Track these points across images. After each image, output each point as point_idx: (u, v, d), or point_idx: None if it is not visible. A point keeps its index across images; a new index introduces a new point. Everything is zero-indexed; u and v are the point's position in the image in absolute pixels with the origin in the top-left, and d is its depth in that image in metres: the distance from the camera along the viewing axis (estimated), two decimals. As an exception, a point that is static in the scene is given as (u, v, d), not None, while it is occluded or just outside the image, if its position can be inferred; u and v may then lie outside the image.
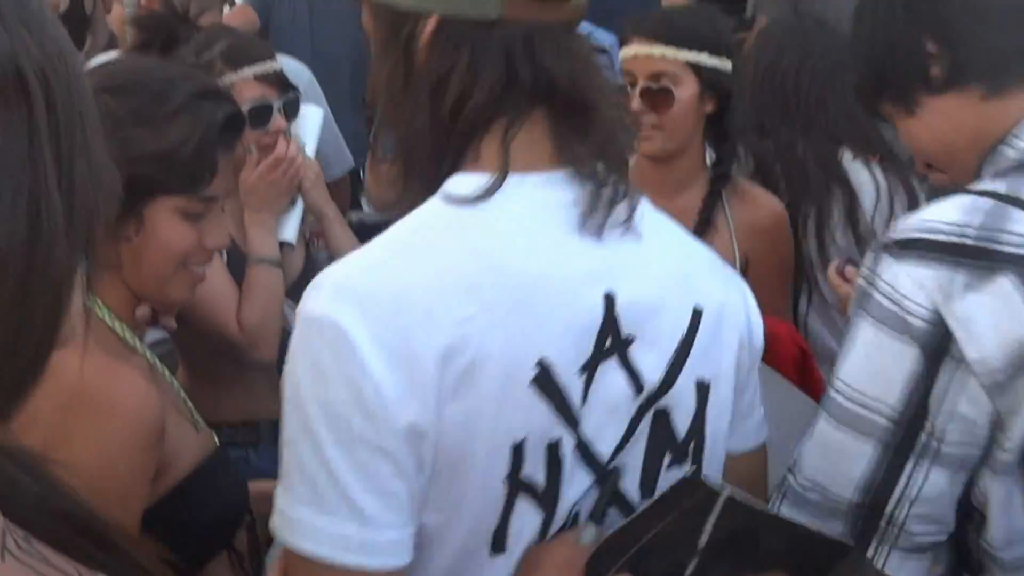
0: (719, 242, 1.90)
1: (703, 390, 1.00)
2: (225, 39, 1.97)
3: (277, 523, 0.90)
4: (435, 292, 0.88)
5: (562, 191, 0.95)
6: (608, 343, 0.93)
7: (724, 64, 1.89)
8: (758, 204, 1.97)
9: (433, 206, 0.94)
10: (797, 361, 1.78)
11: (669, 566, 0.98)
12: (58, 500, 0.67)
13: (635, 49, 1.89)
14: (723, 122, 1.93)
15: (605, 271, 0.94)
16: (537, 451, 0.91)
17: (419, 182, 0.97)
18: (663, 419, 0.98)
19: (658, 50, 1.86)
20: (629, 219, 0.96)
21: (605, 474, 0.96)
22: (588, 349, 0.93)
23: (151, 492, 1.23)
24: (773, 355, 1.78)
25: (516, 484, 0.91)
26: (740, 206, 1.95)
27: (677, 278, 1.00)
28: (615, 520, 0.98)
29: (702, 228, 1.89)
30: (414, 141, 0.98)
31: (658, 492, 0.99)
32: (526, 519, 0.92)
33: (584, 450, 0.94)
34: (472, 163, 0.95)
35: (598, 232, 0.94)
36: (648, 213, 1.01)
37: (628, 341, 0.94)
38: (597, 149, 0.97)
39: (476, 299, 0.89)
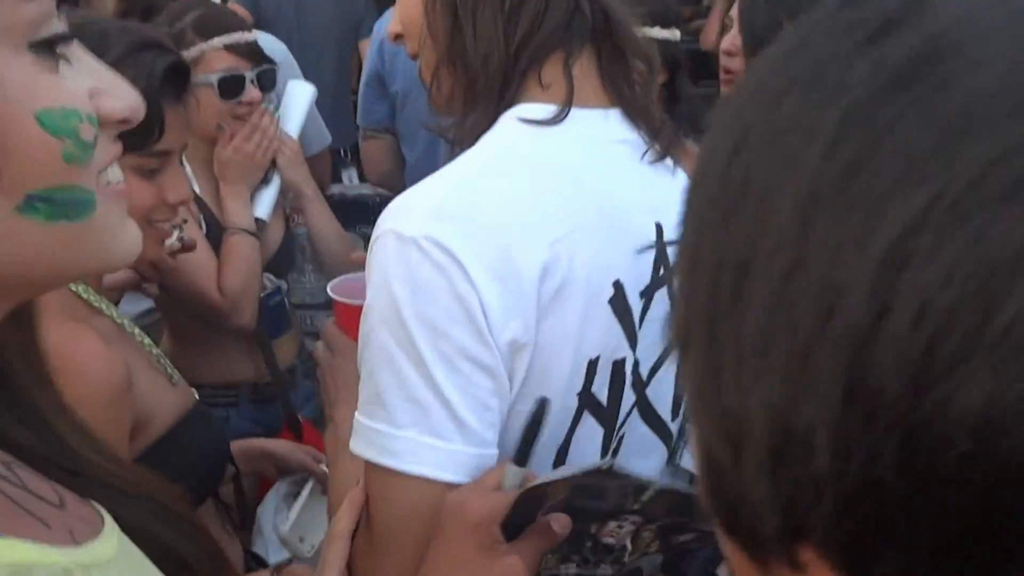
0: None
1: None
2: (198, 9, 1.98)
3: (370, 451, 0.89)
4: (531, 210, 0.90)
5: (618, 127, 1.00)
6: (662, 271, 0.99)
7: (673, 35, 2.00)
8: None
9: (510, 129, 0.95)
10: None
11: (608, 508, 0.93)
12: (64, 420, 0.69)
13: None
14: (674, 88, 2.02)
15: (655, 203, 0.98)
16: (605, 369, 0.95)
17: (483, 112, 0.98)
18: None
19: None
20: (666, 157, 1.02)
21: (642, 391, 1.00)
22: (647, 275, 0.98)
23: (132, 448, 1.25)
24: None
25: (585, 400, 0.94)
26: (688, 164, 2.03)
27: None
28: (643, 438, 1.01)
29: None
30: (482, 70, 0.97)
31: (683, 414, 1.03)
32: (589, 435, 0.96)
33: (635, 371, 0.99)
34: (537, 91, 0.97)
35: (651, 167, 1.00)
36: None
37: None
38: (638, 94, 1.02)
39: (567, 218, 0.92)
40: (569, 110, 0.96)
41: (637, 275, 0.97)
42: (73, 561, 0.56)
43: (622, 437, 1.00)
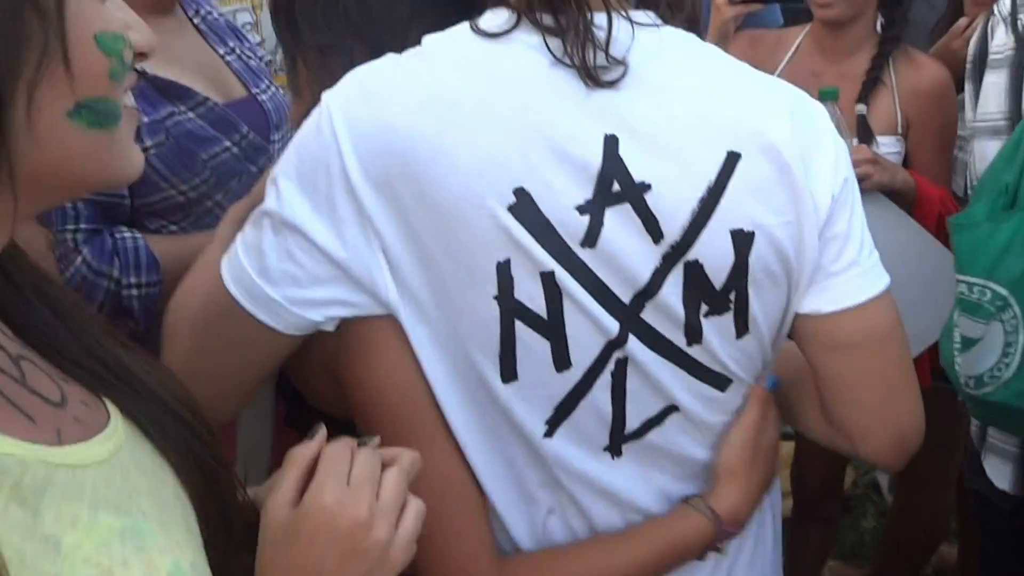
0: (882, 103, 2.07)
1: (742, 239, 0.97)
2: None
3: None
4: (429, 100, 0.93)
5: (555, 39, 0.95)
6: (615, 187, 0.94)
7: None
8: (923, 69, 2.08)
9: (462, 30, 0.98)
10: (936, 223, 1.88)
11: None
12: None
13: None
14: None
15: (606, 114, 0.94)
16: (529, 278, 0.94)
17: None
18: (695, 269, 0.97)
19: None
20: (623, 61, 0.95)
21: (629, 316, 0.97)
22: (587, 191, 0.94)
23: None
24: (913, 213, 1.90)
25: (508, 306, 0.95)
26: (906, 70, 2.07)
27: (707, 119, 0.97)
28: (654, 363, 0.99)
29: (867, 89, 2.04)
30: None
31: (704, 339, 0.99)
32: (534, 349, 0.96)
33: (598, 289, 0.95)
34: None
35: (594, 80, 0.94)
36: (678, 49, 1.00)
37: (643, 187, 0.94)
38: None
39: (459, 118, 0.93)
40: (519, 20, 0.95)
41: (564, 188, 0.93)
42: (40, 458, 0.59)
43: (623, 362, 0.98)
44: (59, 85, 0.61)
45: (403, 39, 1.01)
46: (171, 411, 0.74)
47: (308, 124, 0.96)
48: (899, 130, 2.04)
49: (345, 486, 0.76)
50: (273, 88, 1.74)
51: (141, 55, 0.70)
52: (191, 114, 1.52)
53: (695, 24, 1.06)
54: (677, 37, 1.00)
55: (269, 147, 1.65)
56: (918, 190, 1.93)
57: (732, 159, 0.96)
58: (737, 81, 1.02)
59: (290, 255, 0.94)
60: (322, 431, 0.82)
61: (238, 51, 1.72)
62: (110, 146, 0.66)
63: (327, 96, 0.96)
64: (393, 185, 0.92)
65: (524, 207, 0.93)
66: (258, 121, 1.64)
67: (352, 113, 0.94)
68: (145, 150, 1.42)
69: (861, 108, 2.00)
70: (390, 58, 0.97)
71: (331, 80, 0.99)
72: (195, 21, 1.69)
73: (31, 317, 0.70)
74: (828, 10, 2.03)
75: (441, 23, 1.01)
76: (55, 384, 0.67)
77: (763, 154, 0.97)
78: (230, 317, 0.97)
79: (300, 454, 0.80)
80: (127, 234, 1.48)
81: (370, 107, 0.94)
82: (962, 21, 2.07)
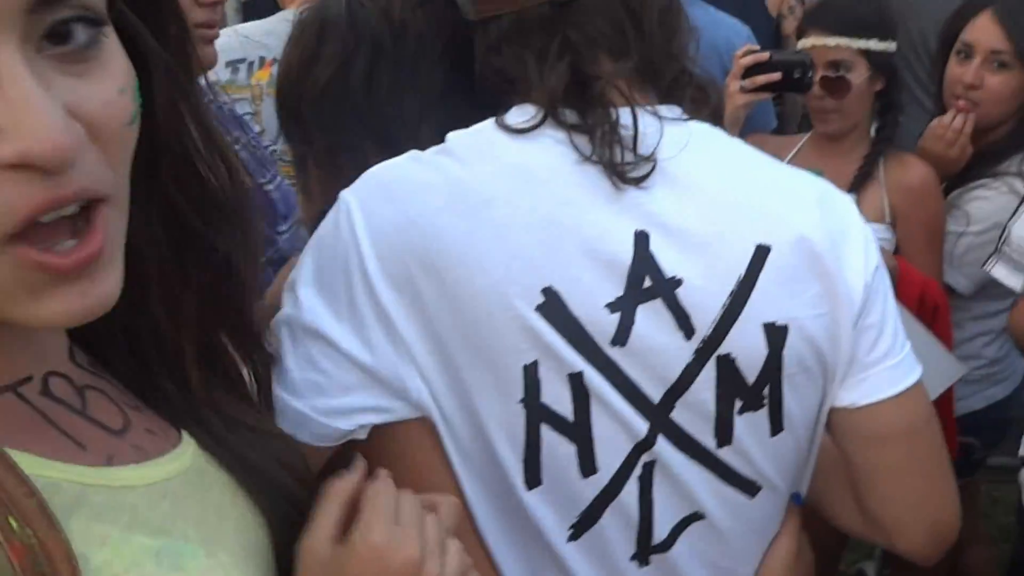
0: (872, 195, 2.16)
1: (775, 333, 0.95)
2: None
3: None
4: (452, 198, 0.92)
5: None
6: (647, 284, 0.93)
7: (890, 46, 2.13)
8: (910, 166, 2.18)
9: (486, 127, 0.97)
10: (917, 306, 1.95)
11: None
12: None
13: (812, 40, 2.14)
14: (889, 96, 2.17)
15: (636, 210, 0.93)
16: (557, 380, 0.92)
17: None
18: (728, 364, 0.95)
19: (832, 41, 2.10)
20: (651, 157, 0.94)
21: (658, 416, 0.94)
22: (617, 288, 0.92)
23: None
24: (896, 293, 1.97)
25: (534, 409, 0.92)
26: (894, 167, 2.18)
27: (735, 212, 0.96)
28: (682, 466, 0.96)
29: (858, 182, 2.15)
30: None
31: (736, 439, 0.97)
32: (560, 453, 0.93)
33: (628, 389, 0.93)
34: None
35: (622, 177, 0.93)
36: (705, 143, 0.99)
37: (674, 282, 0.93)
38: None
39: (486, 216, 0.91)
40: (545, 118, 0.95)
41: (594, 287, 0.92)
42: (75, 479, 0.58)
43: (651, 465, 0.96)
44: None
45: (415, 136, 1.01)
46: (261, 448, 0.72)
47: (325, 224, 0.95)
48: (887, 219, 2.13)
49: (395, 524, 0.73)
50: (279, 178, 1.76)
51: (17, 166, 0.52)
52: None
53: (720, 118, 1.08)
54: (703, 132, 1.00)
55: (276, 239, 1.66)
56: (900, 271, 2.00)
57: (762, 251, 0.95)
58: (764, 174, 1.02)
59: (313, 363, 0.91)
60: (362, 463, 0.78)
61: (243, 141, 1.74)
62: None
63: (345, 194, 0.94)
64: (415, 285, 0.90)
65: (552, 307, 0.91)
66: (265, 212, 1.65)
67: (372, 211, 0.92)
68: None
69: (850, 197, 2.09)
70: (411, 155, 0.96)
71: (342, 178, 0.98)
72: None
73: (111, 346, 0.69)
74: (827, 124, 2.17)
75: (452, 119, 1.00)
76: (121, 413, 0.66)
77: (793, 245, 0.96)
78: None
79: (340, 488, 0.75)
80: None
81: (391, 204, 0.92)
82: (936, 120, 2.18)
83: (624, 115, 0.96)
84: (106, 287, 0.57)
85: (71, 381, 0.65)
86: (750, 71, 2.09)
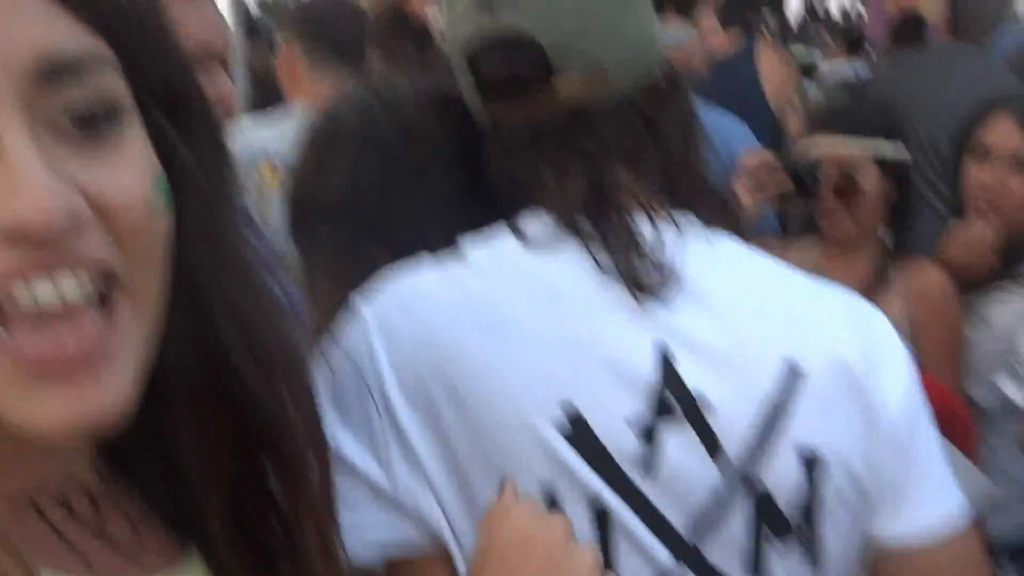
0: (885, 303, 2.05)
1: (812, 461, 0.90)
2: None
3: None
4: (465, 312, 0.90)
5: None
6: (671, 402, 0.89)
7: (900, 151, 2.11)
8: (926, 273, 2.14)
9: (502, 235, 0.95)
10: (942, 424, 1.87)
11: None
12: None
13: (821, 144, 2.12)
14: (902, 202, 2.13)
15: (659, 324, 0.90)
16: (575, 503, 0.87)
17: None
18: (760, 492, 0.89)
19: (844, 145, 2.08)
20: (672, 269, 0.91)
21: (685, 549, 0.89)
22: (640, 405, 0.88)
23: None
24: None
25: None
26: (909, 272, 2.12)
27: (761, 326, 0.92)
28: None
29: (870, 290, 2.05)
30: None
31: (767, 572, 0.91)
32: None
33: (651, 517, 0.88)
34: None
35: (642, 290, 0.90)
36: (727, 254, 0.97)
37: (699, 400, 0.89)
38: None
39: (505, 332, 0.89)
40: (561, 227, 0.93)
41: (618, 408, 0.88)
42: None
43: None
44: None
45: (426, 241, 0.99)
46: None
47: (339, 340, 0.91)
48: (903, 328, 2.05)
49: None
50: (287, 282, 1.69)
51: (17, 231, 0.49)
52: None
53: (737, 227, 1.04)
54: (722, 241, 0.97)
55: None
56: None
57: (793, 372, 0.90)
58: (790, 286, 0.97)
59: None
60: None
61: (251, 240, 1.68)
62: None
63: (361, 306, 0.92)
64: (434, 403, 0.87)
65: (572, 425, 0.87)
66: None
67: (390, 325, 0.89)
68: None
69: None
70: (428, 265, 0.94)
71: (350, 283, 0.96)
72: None
73: (139, 458, 0.64)
74: (837, 229, 2.12)
75: (464, 223, 0.98)
76: (132, 528, 0.63)
77: (828, 367, 0.91)
78: None
79: None
80: None
81: (410, 319, 0.89)
82: (958, 228, 2.15)
83: (643, 225, 0.93)
84: (108, 393, 0.51)
85: (89, 492, 0.61)
86: (755, 175, 2.06)
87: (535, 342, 0.88)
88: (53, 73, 0.50)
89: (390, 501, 0.87)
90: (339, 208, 1.04)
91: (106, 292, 0.52)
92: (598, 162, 0.94)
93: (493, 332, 0.88)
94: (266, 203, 2.22)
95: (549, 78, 0.95)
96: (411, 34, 4.84)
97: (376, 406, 0.87)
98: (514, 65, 0.95)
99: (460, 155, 1.03)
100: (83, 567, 0.58)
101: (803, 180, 2.04)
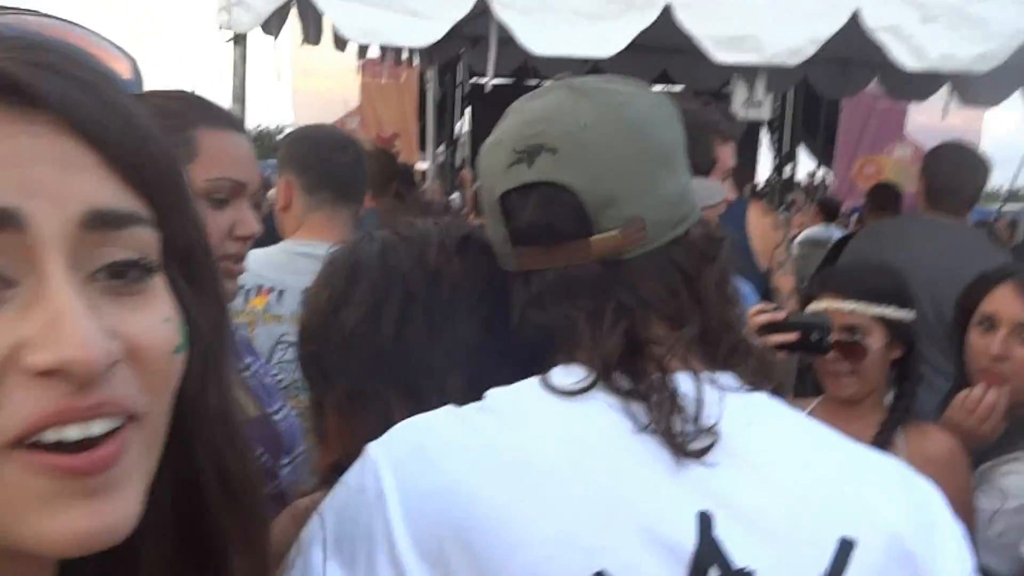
0: None
1: None
2: None
3: None
4: (487, 462, 0.84)
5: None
6: (713, 572, 0.83)
7: (908, 315, 2.12)
8: (932, 437, 2.10)
9: (530, 385, 0.91)
10: None
11: None
12: None
13: (826, 303, 2.11)
14: (907, 365, 2.12)
15: (699, 488, 0.85)
16: None
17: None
18: None
19: (849, 305, 2.08)
20: (714, 430, 0.87)
21: None
22: (679, 574, 0.83)
23: None
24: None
25: None
26: (915, 438, 2.09)
27: (812, 497, 0.88)
28: None
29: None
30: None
31: None
32: None
33: None
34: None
35: (683, 450, 0.86)
36: (770, 417, 0.94)
37: (744, 575, 0.84)
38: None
39: (530, 485, 0.83)
40: (596, 381, 0.89)
41: (651, 573, 0.82)
42: None
43: None
44: None
45: (442, 387, 0.96)
46: None
47: (348, 484, 0.86)
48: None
49: None
50: (286, 409, 1.64)
51: (52, 373, 0.52)
52: None
53: (780, 391, 1.01)
54: (767, 404, 0.94)
55: (278, 472, 1.52)
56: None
57: (847, 547, 0.85)
58: (842, 455, 0.93)
59: None
60: None
61: (253, 368, 1.63)
62: None
63: (374, 450, 0.86)
64: (446, 558, 0.80)
65: None
66: (271, 443, 1.53)
67: (404, 472, 0.83)
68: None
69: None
70: (448, 411, 0.89)
71: (363, 427, 0.92)
72: None
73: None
74: (842, 389, 2.11)
75: (483, 372, 0.95)
76: None
77: (883, 543, 0.86)
78: None
79: None
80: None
81: (426, 466, 0.84)
82: (963, 393, 2.13)
83: (683, 382, 0.90)
84: (118, 511, 0.55)
85: None
86: (764, 330, 2.04)
87: (565, 502, 0.82)
88: (102, 225, 0.55)
89: None
90: (352, 342, 1.00)
91: (123, 424, 0.55)
92: (635, 316, 0.92)
93: (518, 486, 0.82)
94: (258, 333, 2.17)
95: (587, 233, 0.93)
96: (399, 176, 4.96)
97: (383, 557, 0.81)
98: (550, 215, 0.94)
99: (483, 301, 1.01)
100: None
101: (813, 339, 2.01)
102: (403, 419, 0.88)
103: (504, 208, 0.97)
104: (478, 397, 0.91)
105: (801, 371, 2.34)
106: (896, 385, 2.15)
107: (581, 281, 0.93)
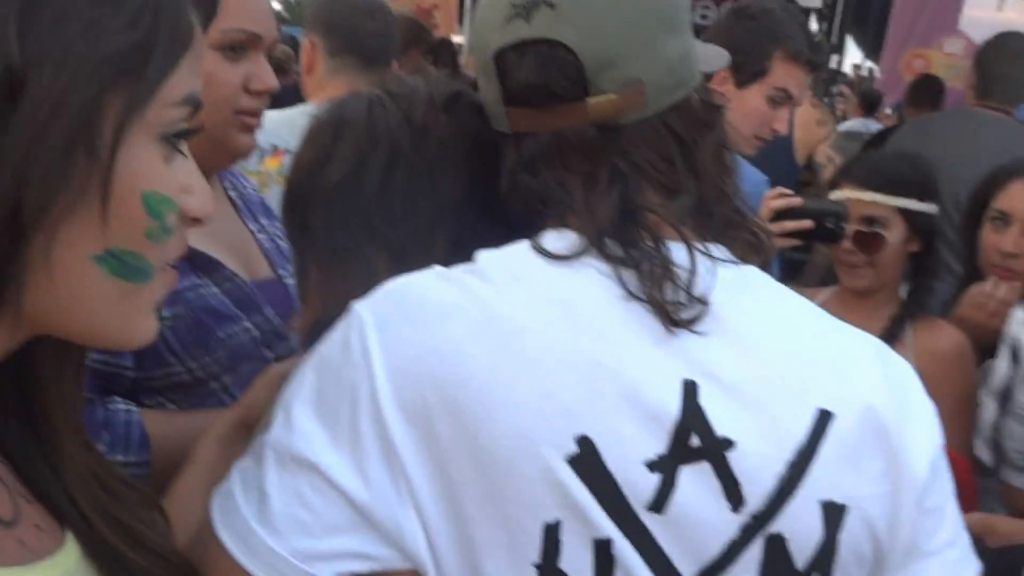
0: None
1: (834, 513, 0.86)
2: None
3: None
4: (474, 323, 0.84)
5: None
6: (694, 442, 0.83)
7: (930, 208, 2.07)
8: (940, 332, 2.10)
9: (521, 249, 0.90)
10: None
11: None
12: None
13: (847, 193, 2.07)
14: (925, 259, 2.09)
15: (686, 357, 0.85)
16: (580, 545, 0.82)
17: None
18: (777, 544, 0.85)
19: (869, 196, 2.03)
20: (704, 300, 0.86)
21: None
22: (661, 443, 0.83)
23: None
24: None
25: (552, 575, 0.82)
26: (924, 333, 2.09)
27: (795, 369, 0.87)
28: None
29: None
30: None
31: None
32: None
33: (659, 562, 0.83)
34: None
35: (672, 319, 0.85)
36: (760, 290, 0.92)
37: (725, 443, 0.84)
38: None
39: (517, 347, 0.82)
40: (588, 247, 0.88)
41: (635, 441, 0.82)
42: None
43: None
44: (91, 228, 0.62)
45: (427, 246, 0.95)
46: (152, 557, 0.74)
47: (332, 340, 0.85)
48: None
49: None
50: None
51: (195, 220, 0.70)
52: (216, 289, 1.42)
53: (769, 265, 0.99)
54: (758, 277, 0.93)
55: (288, 334, 1.54)
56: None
57: (824, 418, 0.86)
58: (824, 330, 0.93)
59: (300, 498, 0.80)
60: None
61: (268, 229, 1.64)
62: (130, 300, 0.66)
63: (360, 309, 0.86)
64: (430, 419, 0.81)
65: (586, 459, 0.81)
66: (282, 305, 1.54)
67: (390, 331, 0.83)
68: (160, 321, 1.30)
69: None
70: (436, 271, 0.88)
71: (345, 288, 0.91)
72: (231, 194, 1.62)
73: (13, 435, 0.71)
74: (855, 280, 2.08)
75: (468, 232, 0.94)
76: (12, 501, 0.67)
77: (858, 415, 0.87)
78: (219, 567, 0.82)
79: None
80: (121, 406, 1.34)
81: (412, 326, 0.83)
82: (975, 288, 2.11)
83: (675, 251, 0.89)
84: (156, 324, 0.72)
85: None
86: (779, 216, 2.01)
87: (552, 364, 0.82)
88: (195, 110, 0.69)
89: (366, 516, 0.80)
90: (336, 198, 0.99)
91: None
92: (629, 182, 0.90)
93: (506, 348, 0.82)
94: (270, 193, 2.17)
95: (584, 94, 0.90)
96: (430, 47, 4.87)
97: (366, 415, 0.81)
98: (547, 75, 0.91)
99: (470, 159, 0.99)
100: None
101: (828, 226, 1.98)
102: (386, 279, 0.88)
103: (499, 66, 0.93)
104: (462, 259, 0.90)
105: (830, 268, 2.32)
106: (912, 279, 2.12)
107: (575, 145, 0.91)
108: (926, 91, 5.11)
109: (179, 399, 1.40)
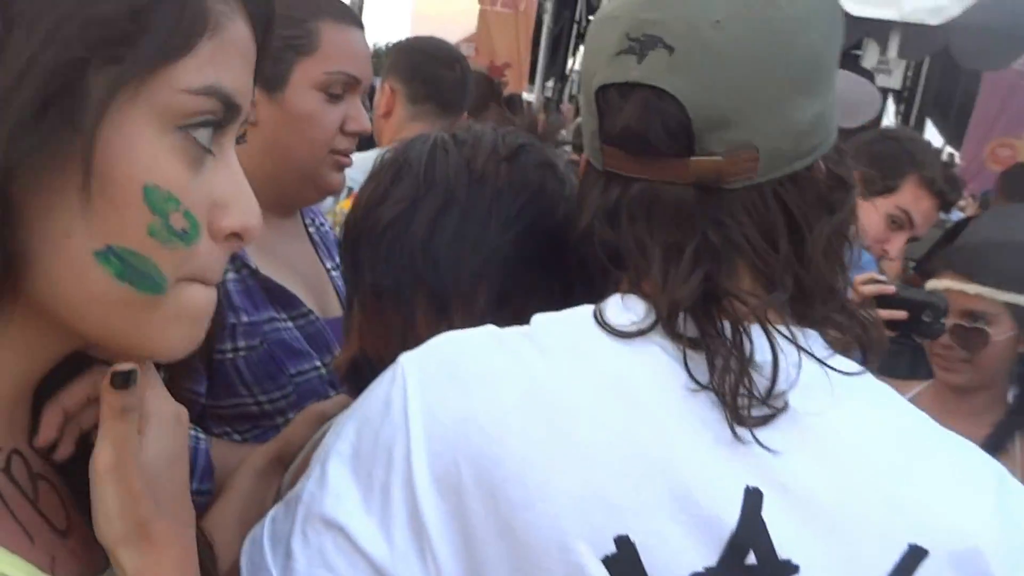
0: None
1: None
2: None
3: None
4: (521, 394, 0.77)
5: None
6: (750, 560, 0.73)
7: None
8: None
9: (581, 315, 0.82)
10: None
11: None
12: None
13: (947, 283, 1.89)
14: None
15: (752, 461, 0.75)
16: None
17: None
18: None
19: (973, 289, 1.85)
20: (780, 400, 0.76)
21: None
22: (711, 555, 0.73)
23: None
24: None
25: None
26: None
27: (888, 495, 0.75)
28: None
29: (988, 451, 1.81)
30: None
31: None
32: None
33: None
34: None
35: (741, 418, 0.75)
36: (856, 392, 0.80)
37: (787, 567, 0.72)
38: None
39: (563, 428, 0.75)
40: (657, 323, 0.78)
41: (682, 548, 0.72)
42: None
43: None
44: (86, 216, 0.58)
45: (469, 295, 0.92)
46: None
47: (376, 395, 0.80)
48: None
49: None
50: None
51: (235, 235, 0.65)
52: (291, 324, 1.42)
53: (874, 361, 0.86)
54: (856, 375, 0.80)
55: None
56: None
57: (915, 556, 0.73)
58: (933, 447, 0.79)
59: (323, 556, 0.76)
60: None
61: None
62: (145, 313, 0.62)
63: (406, 363, 0.80)
64: (462, 495, 0.74)
65: (624, 562, 0.72)
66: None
67: (433, 392, 0.77)
68: (235, 351, 1.33)
69: None
70: (489, 331, 0.81)
71: (384, 328, 0.90)
72: (310, 230, 1.64)
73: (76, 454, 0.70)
74: (953, 376, 1.90)
75: (513, 286, 0.91)
76: (65, 513, 0.67)
77: (959, 557, 0.73)
78: None
79: None
80: (191, 433, 1.32)
81: (456, 388, 0.77)
82: None
83: (756, 339, 0.77)
84: (190, 335, 0.66)
85: (28, 464, 0.66)
86: (870, 302, 1.85)
87: (598, 452, 0.73)
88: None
89: None
90: (385, 237, 0.97)
91: None
92: (721, 261, 0.79)
93: (551, 427, 0.74)
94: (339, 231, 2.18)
95: (687, 153, 0.79)
96: (499, 99, 4.93)
97: (399, 481, 0.76)
98: (648, 125, 0.80)
99: (524, 212, 0.95)
100: (26, 541, 0.62)
101: (925, 320, 1.80)
102: (426, 326, 0.83)
103: (599, 103, 0.84)
104: (507, 313, 0.84)
105: (916, 350, 2.15)
106: (1021, 382, 1.93)
107: (666, 203, 0.80)
108: (1021, 181, 4.93)
109: (244, 430, 1.40)
